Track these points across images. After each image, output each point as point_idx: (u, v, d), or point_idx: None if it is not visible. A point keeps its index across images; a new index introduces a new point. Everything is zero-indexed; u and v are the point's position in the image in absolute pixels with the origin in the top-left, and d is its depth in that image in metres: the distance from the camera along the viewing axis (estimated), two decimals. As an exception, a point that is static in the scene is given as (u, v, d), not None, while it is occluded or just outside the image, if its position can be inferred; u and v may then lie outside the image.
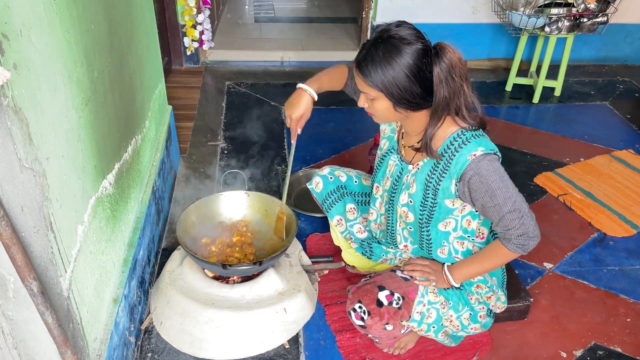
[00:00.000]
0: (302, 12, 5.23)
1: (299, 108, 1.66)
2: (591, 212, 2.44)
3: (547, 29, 3.19)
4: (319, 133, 3.03)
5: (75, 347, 1.21)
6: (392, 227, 1.68)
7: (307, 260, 2.03)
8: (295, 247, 2.02)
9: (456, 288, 1.61)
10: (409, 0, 3.70)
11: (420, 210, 1.54)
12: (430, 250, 1.60)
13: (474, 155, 1.38)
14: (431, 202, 1.50)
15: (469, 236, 1.55)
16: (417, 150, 1.51)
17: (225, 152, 2.83)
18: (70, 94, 1.18)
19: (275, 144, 2.91)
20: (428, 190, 1.49)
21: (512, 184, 1.42)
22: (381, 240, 1.82)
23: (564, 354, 1.78)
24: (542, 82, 3.43)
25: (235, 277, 1.84)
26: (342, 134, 3.02)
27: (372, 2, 3.75)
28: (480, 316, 1.64)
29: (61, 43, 1.12)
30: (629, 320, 1.92)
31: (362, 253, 1.86)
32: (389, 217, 1.69)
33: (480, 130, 1.44)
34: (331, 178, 1.89)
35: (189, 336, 1.69)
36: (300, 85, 1.67)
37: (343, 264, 2.02)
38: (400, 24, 1.35)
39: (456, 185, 1.43)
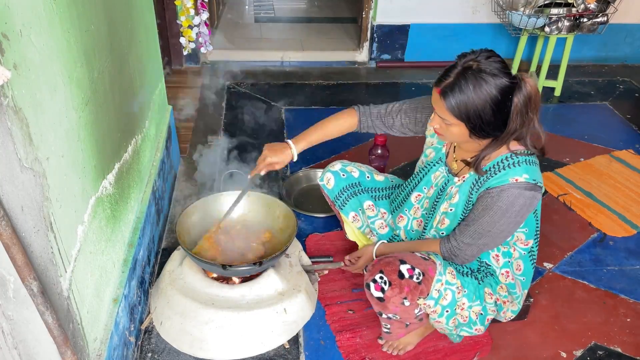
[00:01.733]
0: (302, 12, 5.23)
1: (277, 157, 1.73)
2: (591, 212, 2.44)
3: (547, 29, 3.19)
4: (319, 133, 3.02)
5: (75, 347, 1.21)
6: (426, 231, 1.73)
7: (307, 260, 2.03)
8: (295, 247, 2.02)
9: (481, 281, 1.63)
10: (409, 0, 3.70)
11: (461, 218, 1.60)
12: None
13: (516, 179, 1.42)
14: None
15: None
16: (467, 164, 1.55)
17: (225, 152, 2.82)
18: (70, 94, 1.18)
19: (275, 144, 2.91)
20: (469, 201, 1.55)
21: (507, 227, 1.49)
22: (404, 238, 1.85)
23: (564, 354, 1.78)
24: (542, 82, 3.43)
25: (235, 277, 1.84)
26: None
27: (372, 2, 3.75)
28: (488, 319, 1.66)
29: (61, 43, 1.13)
30: (629, 320, 1.92)
31: None
32: (426, 222, 1.73)
33: (534, 157, 1.47)
34: (343, 175, 1.91)
35: (189, 336, 1.69)
36: (288, 140, 1.76)
37: (343, 264, 2.02)
38: (490, 55, 1.38)
39: (480, 192, 1.49)
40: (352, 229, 2.00)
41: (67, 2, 1.16)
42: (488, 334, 1.81)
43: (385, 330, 1.70)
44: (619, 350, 1.80)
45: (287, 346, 1.76)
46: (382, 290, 1.51)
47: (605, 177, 2.69)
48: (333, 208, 1.99)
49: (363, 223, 1.97)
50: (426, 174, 1.73)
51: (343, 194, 1.91)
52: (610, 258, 2.20)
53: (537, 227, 1.63)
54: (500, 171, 1.45)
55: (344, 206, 1.92)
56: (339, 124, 1.80)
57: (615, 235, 2.31)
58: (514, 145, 1.47)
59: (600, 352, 1.80)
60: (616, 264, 2.17)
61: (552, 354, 1.78)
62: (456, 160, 1.62)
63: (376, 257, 1.68)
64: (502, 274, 1.66)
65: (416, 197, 1.77)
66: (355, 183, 1.91)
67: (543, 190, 1.48)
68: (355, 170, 1.93)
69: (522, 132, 1.43)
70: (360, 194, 1.92)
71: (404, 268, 1.50)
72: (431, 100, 1.46)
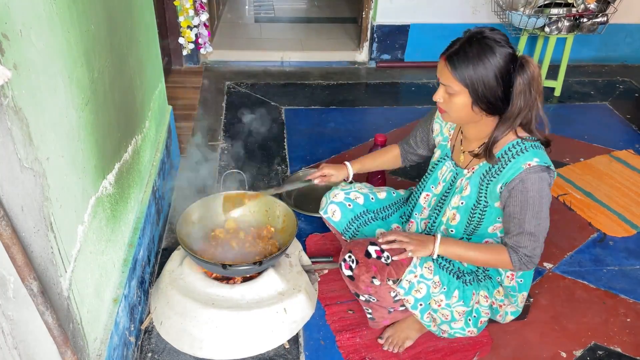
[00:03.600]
0: (302, 12, 5.23)
1: (334, 170, 1.88)
2: (591, 212, 2.44)
3: (547, 29, 3.19)
4: (319, 133, 3.03)
5: (75, 347, 1.21)
6: (432, 227, 1.72)
7: (307, 260, 2.03)
8: (295, 247, 2.02)
9: (468, 283, 1.63)
10: (409, 0, 3.70)
11: (471, 212, 1.59)
12: None
13: (529, 164, 1.42)
14: (483, 205, 1.56)
15: None
16: (476, 155, 1.55)
17: (225, 152, 2.83)
18: (70, 94, 1.18)
19: (275, 144, 2.91)
20: (481, 192, 1.54)
21: (547, 209, 1.47)
22: None
23: (564, 354, 1.78)
24: (542, 82, 3.43)
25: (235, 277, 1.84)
26: (342, 134, 3.02)
27: (372, 2, 3.75)
28: (482, 322, 1.67)
29: (61, 43, 1.13)
30: (629, 320, 1.92)
31: None
32: (433, 220, 1.72)
33: (539, 142, 1.48)
34: (349, 205, 1.83)
35: (188, 336, 1.69)
36: (347, 162, 1.91)
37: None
38: (493, 29, 1.41)
39: (501, 187, 1.47)
40: None
41: (67, 2, 1.16)
42: (488, 333, 1.81)
43: (369, 316, 1.72)
44: (619, 350, 1.80)
45: (287, 346, 1.76)
46: (351, 268, 1.56)
47: (605, 177, 2.69)
48: (339, 237, 1.90)
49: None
50: (432, 172, 1.73)
51: (352, 225, 1.83)
52: (610, 258, 2.20)
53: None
54: (511, 160, 1.45)
55: (355, 236, 1.85)
56: (388, 157, 1.93)
57: (615, 235, 2.31)
58: (521, 132, 1.48)
59: (600, 352, 1.80)
60: (616, 264, 2.17)
61: (552, 354, 1.78)
62: (463, 152, 1.61)
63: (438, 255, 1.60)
64: (508, 276, 1.66)
65: (425, 197, 1.76)
66: (363, 212, 1.84)
67: (555, 174, 1.49)
68: (359, 196, 1.84)
69: (527, 116, 1.44)
70: (370, 222, 1.84)
71: (371, 249, 1.54)
72: (437, 72, 1.47)
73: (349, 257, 1.57)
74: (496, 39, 1.37)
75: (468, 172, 1.58)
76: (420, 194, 1.76)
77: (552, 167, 1.46)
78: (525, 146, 1.45)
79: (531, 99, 1.40)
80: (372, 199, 1.87)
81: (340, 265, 1.60)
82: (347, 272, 1.58)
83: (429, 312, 1.63)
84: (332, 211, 1.84)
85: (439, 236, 1.57)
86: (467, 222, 1.61)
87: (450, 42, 1.44)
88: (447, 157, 1.67)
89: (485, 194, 1.53)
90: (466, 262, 1.62)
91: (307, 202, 2.43)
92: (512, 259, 1.51)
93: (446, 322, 1.65)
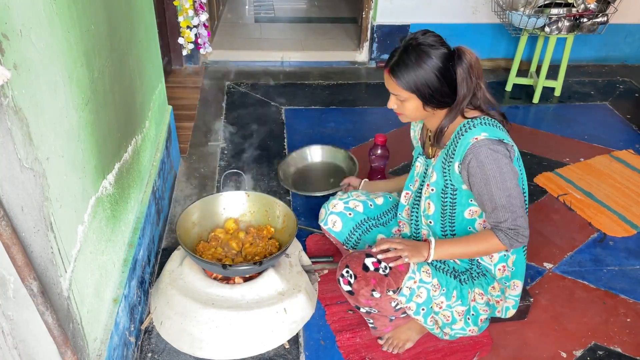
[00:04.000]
0: (302, 12, 5.23)
1: (353, 180, 2.14)
2: (591, 212, 2.44)
3: (547, 29, 3.19)
4: (319, 133, 3.03)
5: (75, 347, 1.21)
6: (417, 224, 1.73)
7: (307, 260, 2.03)
8: (295, 247, 2.02)
9: (464, 282, 1.63)
10: (409, 0, 3.70)
11: (442, 197, 1.60)
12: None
13: (476, 138, 1.45)
14: (451, 189, 1.57)
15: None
16: (433, 144, 1.61)
17: (225, 152, 2.83)
18: (70, 94, 1.18)
19: (275, 144, 2.91)
20: (445, 176, 1.57)
21: (512, 180, 1.46)
22: None
23: (564, 354, 1.78)
24: (542, 82, 3.43)
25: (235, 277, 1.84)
26: (342, 134, 3.02)
27: (372, 2, 3.75)
28: (481, 319, 1.66)
29: (61, 43, 1.13)
30: (629, 320, 1.92)
31: None
32: (412, 216, 1.74)
33: (494, 120, 1.51)
34: (350, 214, 1.86)
35: (188, 336, 1.69)
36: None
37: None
38: (425, 32, 1.49)
39: (459, 167, 1.50)
40: None
41: (67, 2, 1.16)
42: (488, 333, 1.81)
43: (371, 325, 1.72)
44: (619, 350, 1.80)
45: (287, 346, 1.76)
46: (349, 283, 1.56)
47: (605, 177, 2.69)
48: (340, 247, 1.94)
49: None
50: (411, 171, 1.77)
51: (354, 235, 1.86)
52: (610, 258, 2.20)
53: (525, 203, 1.57)
54: (460, 138, 1.49)
55: (357, 244, 1.88)
56: (401, 180, 1.95)
57: (615, 235, 2.31)
58: (471, 114, 1.52)
59: (600, 352, 1.80)
60: (616, 264, 2.17)
61: (552, 354, 1.78)
62: (431, 145, 1.64)
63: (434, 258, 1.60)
64: (499, 269, 1.65)
65: (404, 196, 1.78)
66: (364, 219, 1.86)
67: (515, 150, 1.50)
68: (358, 204, 1.87)
69: (475, 99, 1.50)
70: (372, 229, 1.86)
71: (368, 261, 1.54)
72: (385, 84, 1.55)
73: (347, 272, 1.56)
74: (430, 43, 1.45)
75: (434, 160, 1.62)
76: (402, 194, 1.80)
77: (506, 140, 1.47)
78: (474, 123, 1.49)
79: (472, 84, 1.47)
80: (371, 205, 1.88)
81: (339, 280, 1.60)
82: (346, 288, 1.58)
83: (432, 316, 1.63)
84: (333, 222, 1.86)
85: (433, 240, 1.57)
86: (442, 209, 1.61)
87: (390, 54, 1.52)
88: (420, 154, 1.71)
89: (450, 177, 1.55)
90: (463, 257, 1.63)
91: (304, 182, 2.48)
92: (500, 238, 1.50)
93: (448, 324, 1.65)
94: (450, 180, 1.56)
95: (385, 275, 1.53)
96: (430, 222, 1.66)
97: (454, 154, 1.51)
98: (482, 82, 1.50)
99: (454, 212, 1.60)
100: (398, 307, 1.61)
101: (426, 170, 1.67)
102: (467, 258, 1.65)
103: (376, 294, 1.54)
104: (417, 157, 1.72)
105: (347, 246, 1.88)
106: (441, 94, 1.48)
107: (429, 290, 1.58)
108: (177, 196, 2.46)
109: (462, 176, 1.50)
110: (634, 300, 2.00)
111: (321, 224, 1.90)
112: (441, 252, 1.56)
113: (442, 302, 1.60)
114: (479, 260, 1.66)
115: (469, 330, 1.67)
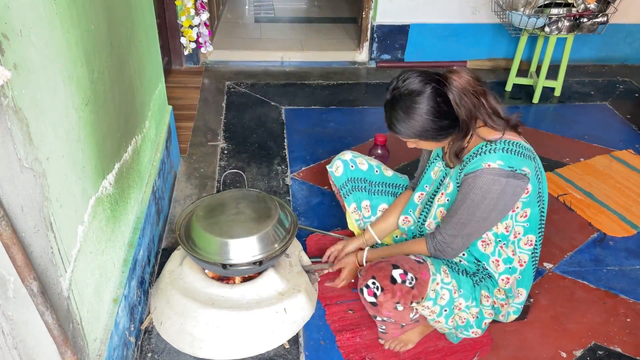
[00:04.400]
0: (302, 12, 5.23)
1: (340, 245, 2.05)
2: (591, 212, 2.44)
3: (547, 29, 3.19)
4: (319, 133, 3.03)
5: (75, 347, 1.21)
6: (422, 225, 1.75)
7: (307, 260, 2.03)
8: (295, 247, 2.02)
9: (476, 284, 1.64)
10: (409, 0, 3.70)
11: None
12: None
13: (489, 165, 1.45)
14: None
15: (500, 240, 1.61)
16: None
17: (225, 152, 2.83)
18: (70, 94, 1.18)
19: (275, 144, 2.91)
20: (458, 189, 1.58)
21: (485, 211, 1.48)
22: (406, 238, 1.89)
23: (564, 354, 1.78)
24: (542, 82, 3.43)
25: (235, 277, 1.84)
26: (342, 134, 3.02)
27: (372, 2, 3.75)
28: (485, 322, 1.66)
29: (61, 43, 1.13)
30: (629, 320, 1.92)
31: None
32: (424, 217, 1.75)
33: (517, 143, 1.48)
34: (352, 166, 1.96)
35: (189, 336, 1.69)
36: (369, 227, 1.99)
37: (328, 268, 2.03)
38: (407, 76, 1.47)
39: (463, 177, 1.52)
40: (352, 220, 2.05)
41: (67, 2, 1.16)
42: (488, 333, 1.81)
43: (381, 330, 1.72)
44: (619, 350, 1.80)
45: (287, 346, 1.76)
46: (375, 295, 1.53)
47: (605, 177, 2.69)
48: (338, 196, 2.04)
49: (359, 218, 2.01)
50: (426, 172, 1.77)
51: (348, 184, 1.97)
52: (610, 258, 2.20)
53: (542, 221, 1.61)
54: (477, 156, 1.49)
55: (347, 195, 1.98)
56: (405, 200, 1.89)
57: (615, 235, 2.31)
58: (491, 135, 1.49)
59: (600, 352, 1.80)
60: (616, 264, 2.17)
61: (552, 354, 1.78)
62: (450, 161, 1.64)
63: (366, 263, 1.70)
64: (502, 279, 1.65)
65: (419, 196, 1.79)
66: (361, 178, 1.96)
67: (531, 175, 1.49)
68: (364, 163, 1.96)
69: (481, 115, 1.47)
70: (361, 190, 1.97)
71: (396, 273, 1.51)
72: None
73: (373, 283, 1.52)
74: (412, 89, 1.44)
75: (452, 171, 1.63)
76: (416, 193, 1.81)
77: (523, 172, 1.45)
78: (494, 148, 1.47)
79: (470, 103, 1.45)
80: (377, 172, 1.97)
81: (362, 290, 1.55)
82: (370, 299, 1.53)
83: (452, 317, 1.61)
84: (336, 167, 1.97)
85: (366, 249, 1.84)
86: None
87: (383, 107, 1.53)
88: (439, 157, 1.71)
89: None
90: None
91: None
92: (427, 245, 1.64)
93: (462, 327, 1.64)
94: None
95: (412, 288, 1.51)
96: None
97: (463, 169, 1.53)
98: (485, 98, 1.47)
99: None
100: (415, 316, 1.60)
101: (444, 177, 1.68)
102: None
103: (400, 307, 1.52)
104: (436, 160, 1.72)
105: (341, 192, 1.98)
106: (443, 129, 1.48)
107: (451, 291, 1.57)
108: (177, 196, 2.46)
109: (459, 183, 1.54)
110: (634, 300, 2.00)
111: (328, 168, 2.01)
112: (372, 253, 1.77)
113: (460, 304, 1.60)
114: (484, 265, 1.66)
115: (472, 332, 1.66)
